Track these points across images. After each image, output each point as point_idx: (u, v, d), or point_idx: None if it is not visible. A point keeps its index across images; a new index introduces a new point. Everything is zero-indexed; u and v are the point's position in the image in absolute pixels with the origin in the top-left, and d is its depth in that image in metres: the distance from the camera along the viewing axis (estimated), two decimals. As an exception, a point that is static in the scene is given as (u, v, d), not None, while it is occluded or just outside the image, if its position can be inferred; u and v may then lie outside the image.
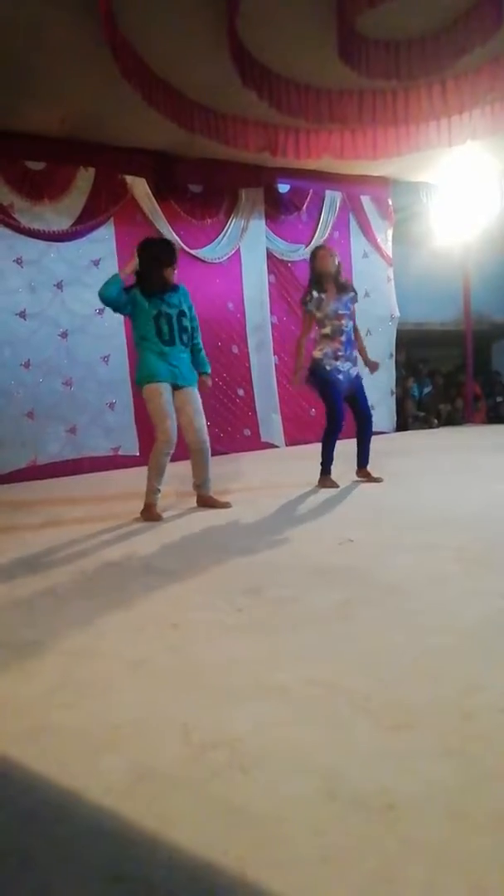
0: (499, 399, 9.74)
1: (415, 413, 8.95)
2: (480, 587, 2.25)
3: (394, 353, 8.07)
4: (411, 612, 2.06)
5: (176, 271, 3.85)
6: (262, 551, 2.89)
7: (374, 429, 4.57)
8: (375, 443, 4.67)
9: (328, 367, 4.36)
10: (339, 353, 4.37)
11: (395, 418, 8.22)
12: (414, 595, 2.21)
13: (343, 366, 4.39)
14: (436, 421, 9.04)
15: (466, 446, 6.82)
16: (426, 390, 9.52)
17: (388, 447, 6.47)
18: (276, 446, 7.08)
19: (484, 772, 1.21)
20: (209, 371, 4.05)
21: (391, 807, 1.12)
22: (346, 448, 4.59)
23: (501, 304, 10.89)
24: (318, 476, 4.46)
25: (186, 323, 3.82)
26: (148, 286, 3.74)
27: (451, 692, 1.51)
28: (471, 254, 8.76)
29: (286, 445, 7.08)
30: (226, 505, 3.91)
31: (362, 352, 4.62)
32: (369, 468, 4.55)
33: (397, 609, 2.09)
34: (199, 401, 3.90)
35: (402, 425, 8.36)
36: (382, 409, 7.91)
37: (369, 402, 4.64)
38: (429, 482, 4.57)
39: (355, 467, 4.59)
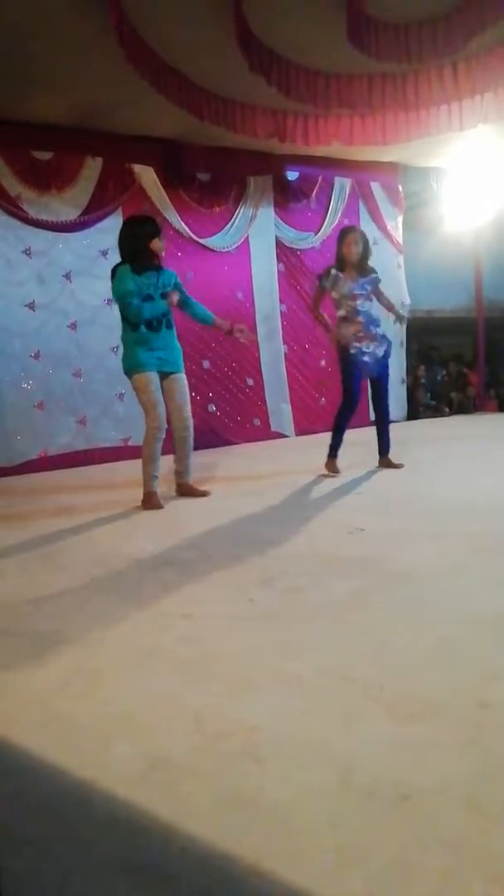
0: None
1: (426, 401, 8.89)
2: (495, 576, 2.23)
3: (404, 342, 8.01)
4: (425, 601, 2.05)
5: (163, 246, 3.84)
6: (273, 541, 2.88)
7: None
8: (386, 431, 4.66)
9: (352, 351, 4.35)
10: (360, 334, 4.34)
11: (406, 407, 8.17)
12: (428, 584, 2.19)
13: (367, 346, 4.36)
14: (447, 409, 8.98)
15: (479, 435, 6.77)
16: (441, 375, 9.45)
17: (400, 436, 6.40)
18: (286, 436, 7.06)
19: (500, 762, 1.20)
20: (212, 315, 4.05)
21: (406, 797, 1.12)
22: (358, 437, 4.58)
23: (513, 290, 10.76)
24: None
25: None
26: (137, 263, 3.73)
27: (467, 682, 1.50)
28: (482, 240, 8.65)
29: (296, 435, 7.05)
30: (204, 493, 3.94)
31: (391, 308, 4.66)
32: (390, 456, 4.57)
33: (411, 598, 2.08)
34: (187, 387, 3.94)
35: (412, 414, 8.31)
36: (393, 398, 7.80)
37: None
38: (441, 471, 4.55)
39: (377, 456, 4.60)
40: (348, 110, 5.07)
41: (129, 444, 6.21)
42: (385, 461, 4.56)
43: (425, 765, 1.20)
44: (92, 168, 5.97)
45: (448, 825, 1.05)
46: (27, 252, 5.76)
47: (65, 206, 5.87)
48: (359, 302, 4.36)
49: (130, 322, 3.78)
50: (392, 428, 4.72)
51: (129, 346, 3.83)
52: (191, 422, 3.94)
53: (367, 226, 7.64)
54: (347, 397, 4.40)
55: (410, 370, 8.49)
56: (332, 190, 7.36)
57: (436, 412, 8.82)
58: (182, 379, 3.90)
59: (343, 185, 7.39)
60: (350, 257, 4.37)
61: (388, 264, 7.80)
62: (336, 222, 7.34)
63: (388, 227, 7.75)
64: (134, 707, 1.48)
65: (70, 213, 5.90)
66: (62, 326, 5.92)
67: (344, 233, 4.52)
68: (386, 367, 4.50)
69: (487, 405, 9.19)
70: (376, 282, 4.49)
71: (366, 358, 4.34)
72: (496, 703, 1.40)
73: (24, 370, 5.81)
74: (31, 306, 5.79)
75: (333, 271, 4.38)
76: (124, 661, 1.74)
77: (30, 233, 5.75)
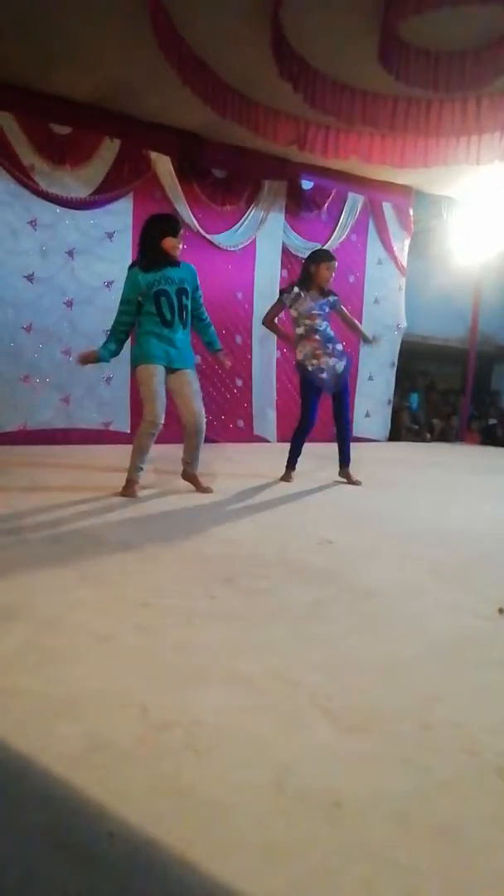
0: (492, 421, 9.78)
1: (408, 425, 8.97)
2: (452, 602, 2.27)
3: (395, 363, 8.09)
4: (382, 618, 2.07)
5: (180, 246, 3.79)
6: (241, 542, 2.90)
7: (368, 435, 4.62)
8: (367, 450, 4.71)
9: (310, 368, 4.44)
10: (318, 352, 4.42)
11: (389, 427, 8.24)
12: (387, 602, 2.22)
13: (326, 362, 4.42)
14: (429, 435, 9.07)
15: (456, 464, 6.85)
16: (423, 400, 9.58)
17: (379, 455, 6.48)
18: (268, 441, 7.08)
19: (433, 783, 1.23)
20: (220, 348, 4.05)
21: (338, 805, 1.13)
22: (325, 450, 4.62)
23: (507, 327, 10.92)
24: (309, 475, 4.62)
25: (186, 301, 3.77)
26: (147, 260, 3.72)
27: (412, 702, 1.52)
28: (485, 274, 8.77)
29: (277, 441, 7.08)
30: (207, 490, 3.94)
31: (356, 328, 4.76)
32: (350, 470, 4.64)
33: (369, 614, 2.10)
34: (197, 383, 3.90)
35: (394, 436, 8.38)
36: (377, 417, 7.92)
37: (366, 410, 4.67)
38: (414, 494, 4.59)
39: (338, 468, 4.68)
40: (370, 128, 5.12)
41: (111, 428, 6.21)
42: (344, 473, 4.63)
43: (360, 777, 1.22)
44: (109, 149, 5.96)
45: (374, 837, 1.07)
46: (32, 223, 5.74)
47: (76, 183, 5.86)
48: (317, 321, 4.42)
49: (147, 313, 3.75)
50: (372, 447, 4.78)
51: (140, 337, 3.79)
52: (202, 416, 3.87)
53: (373, 244, 7.72)
54: (305, 415, 4.51)
55: (398, 392, 8.56)
56: (345, 204, 7.43)
57: (417, 436, 8.91)
58: (189, 374, 3.85)
59: (356, 200, 7.46)
60: (321, 282, 4.41)
61: (390, 285, 7.89)
62: (344, 237, 7.41)
63: (395, 249, 7.82)
64: (82, 689, 1.49)
65: (81, 191, 5.88)
66: (58, 302, 5.91)
67: (325, 256, 4.50)
68: (346, 382, 4.56)
69: (469, 437, 9.30)
70: (335, 304, 4.54)
71: (323, 375, 4.42)
72: (437, 724, 1.42)
73: (14, 341, 5.77)
74: (30, 278, 5.77)
75: (296, 289, 4.42)
76: (78, 642, 1.74)
77: (37, 204, 5.73)
